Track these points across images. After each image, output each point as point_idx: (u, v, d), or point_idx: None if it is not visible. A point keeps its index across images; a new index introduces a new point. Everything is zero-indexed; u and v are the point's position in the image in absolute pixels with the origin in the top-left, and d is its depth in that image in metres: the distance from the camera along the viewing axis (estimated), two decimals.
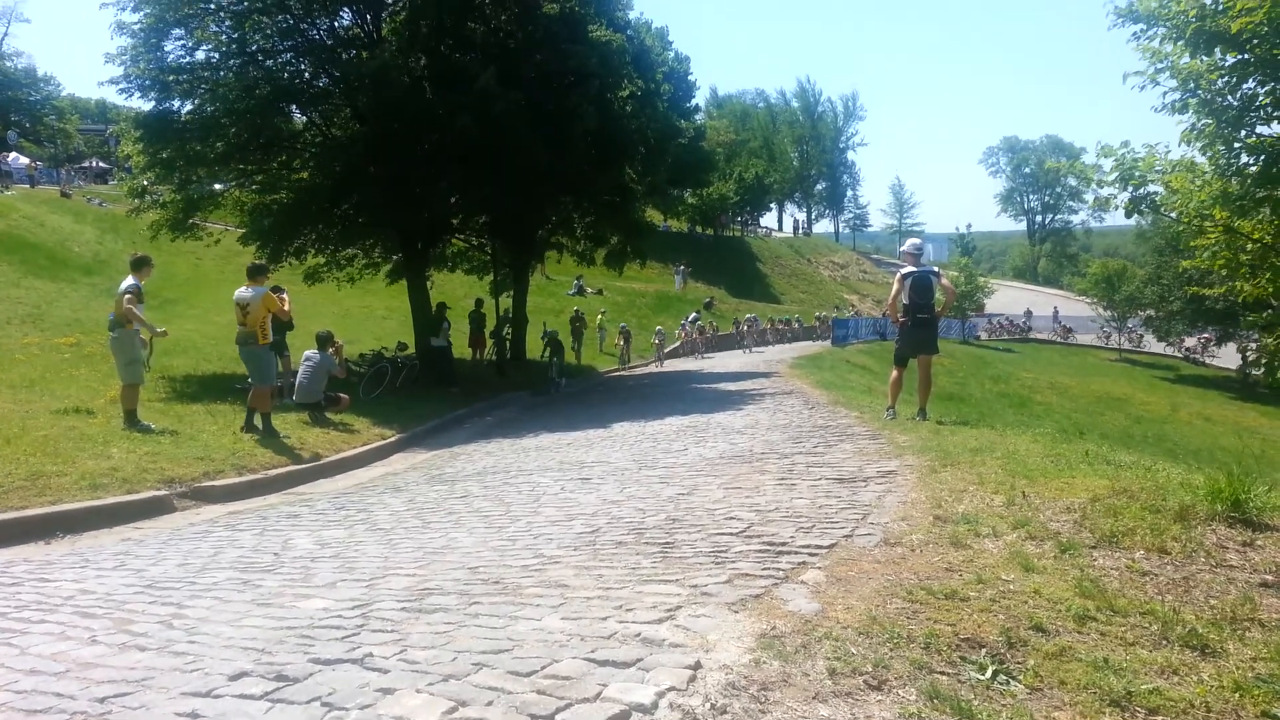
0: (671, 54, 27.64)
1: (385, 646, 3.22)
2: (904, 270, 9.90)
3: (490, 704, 2.59)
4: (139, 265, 10.25)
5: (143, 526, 7.01)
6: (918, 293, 9.85)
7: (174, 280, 26.68)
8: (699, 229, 67.57)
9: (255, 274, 10.84)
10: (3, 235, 27.96)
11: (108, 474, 7.79)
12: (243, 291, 10.70)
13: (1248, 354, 46.65)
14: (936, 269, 10.68)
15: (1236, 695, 2.71)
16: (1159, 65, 9.17)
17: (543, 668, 2.86)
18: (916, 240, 10.73)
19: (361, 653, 3.15)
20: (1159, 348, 51.88)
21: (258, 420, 10.60)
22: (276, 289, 14.84)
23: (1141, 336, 54.80)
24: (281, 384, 13.81)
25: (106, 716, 2.75)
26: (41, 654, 3.45)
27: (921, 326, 9.96)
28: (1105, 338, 56.04)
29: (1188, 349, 49.49)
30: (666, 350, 31.47)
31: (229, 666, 3.11)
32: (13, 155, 49.83)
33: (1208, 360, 48.78)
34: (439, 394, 16.86)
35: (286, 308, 11.14)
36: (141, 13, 15.62)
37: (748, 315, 40.43)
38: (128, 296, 9.91)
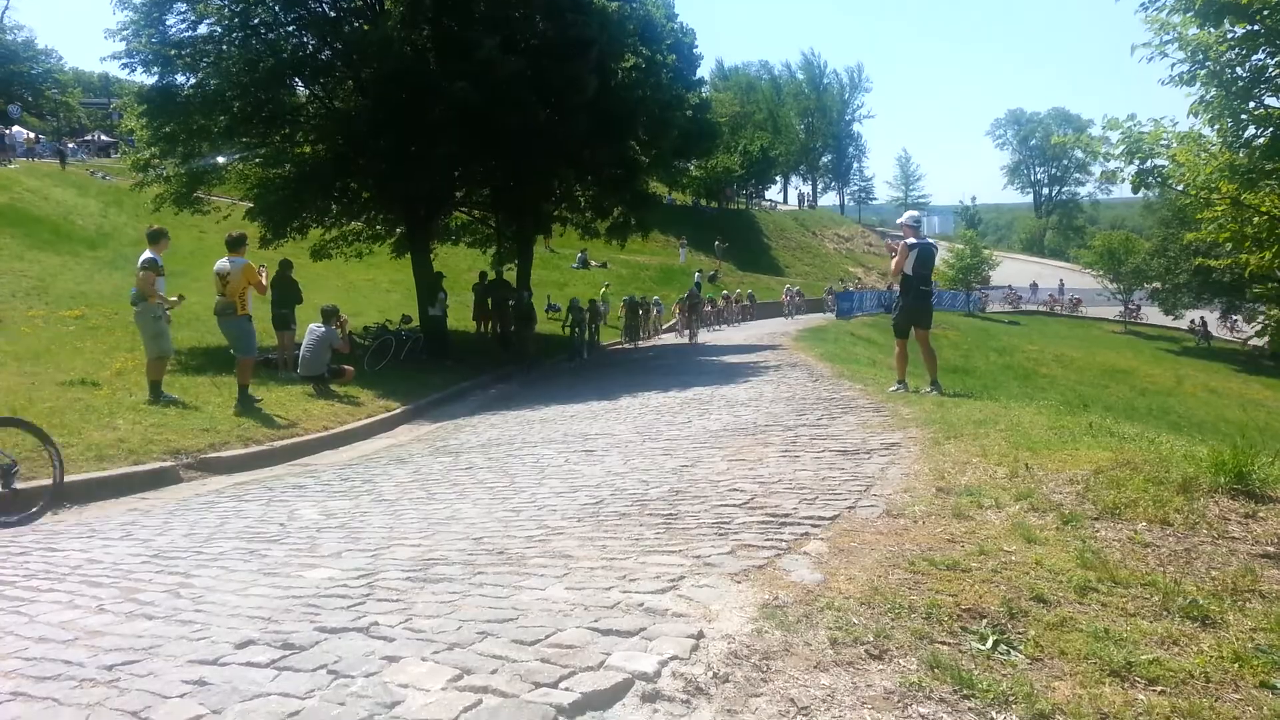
0: (676, 26, 27.25)
1: (391, 615, 3.24)
2: (909, 240, 9.81)
3: (495, 672, 2.61)
4: (155, 238, 10.29)
5: (149, 497, 7.07)
6: (922, 264, 9.79)
7: (178, 253, 26.46)
8: (703, 201, 67.22)
9: (235, 245, 10.83)
10: (6, 209, 27.87)
11: (114, 445, 7.84)
12: (222, 262, 10.72)
13: (1194, 323, 47.38)
14: (934, 242, 10.64)
15: (1236, 666, 2.72)
16: (1167, 37, 9.05)
17: (547, 637, 2.88)
18: (915, 212, 10.63)
19: (367, 621, 3.17)
20: (1161, 319, 51.76)
21: (252, 391, 10.67)
22: (285, 263, 14.87)
23: (1139, 308, 54.67)
24: (288, 356, 13.86)
25: (115, 684, 2.77)
26: (50, 622, 3.48)
27: (922, 299, 9.91)
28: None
29: (1193, 323, 49.30)
30: (664, 327, 31.22)
31: (235, 635, 3.14)
32: (15, 128, 49.64)
33: (1213, 333, 48.65)
34: (442, 366, 16.89)
35: (264, 281, 11.10)
36: None
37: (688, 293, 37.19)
38: (144, 273, 9.95)
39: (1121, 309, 55.54)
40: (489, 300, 22.67)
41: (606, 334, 27.92)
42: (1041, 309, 58.03)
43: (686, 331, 29.15)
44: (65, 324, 15.91)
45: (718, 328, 32.97)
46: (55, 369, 11.43)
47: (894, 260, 9.99)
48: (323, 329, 12.56)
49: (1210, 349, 46.08)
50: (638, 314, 27.31)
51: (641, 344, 27.31)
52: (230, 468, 8.28)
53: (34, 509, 6.29)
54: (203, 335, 16.56)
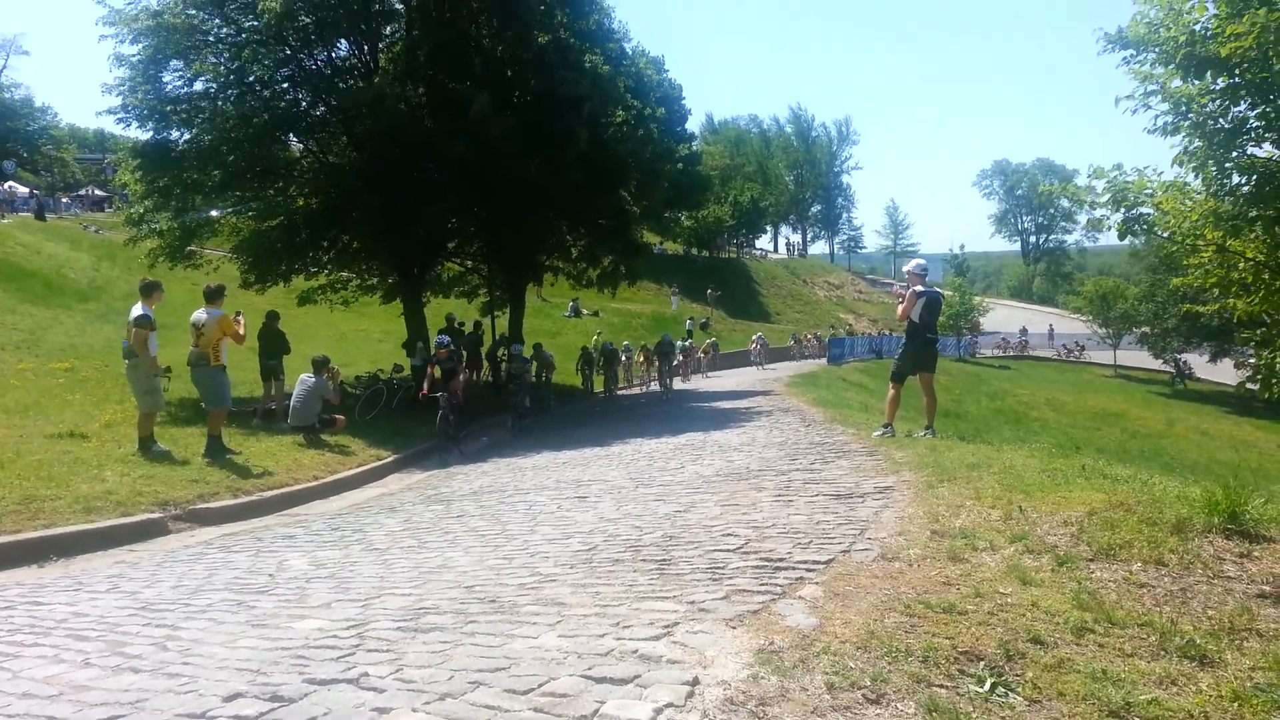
0: (666, 81, 27.84)
1: (381, 666, 3.20)
2: (917, 288, 9.87)
3: None
4: (149, 291, 10.12)
5: (137, 549, 6.97)
6: (929, 312, 9.87)
7: (169, 305, 26.45)
8: (695, 251, 67.84)
9: (213, 297, 10.66)
10: None
11: (102, 497, 7.76)
12: (199, 313, 10.56)
13: (1183, 364, 48.28)
14: (941, 291, 10.70)
15: (1235, 705, 2.70)
16: (1150, 89, 9.22)
17: (540, 686, 2.84)
18: (921, 261, 10.64)
19: (357, 672, 3.13)
20: (1147, 363, 52.51)
21: (227, 441, 10.52)
22: (272, 314, 14.86)
23: (1083, 348, 56.90)
24: (276, 407, 13.81)
25: None
26: (35, 677, 3.42)
27: (928, 345, 9.99)
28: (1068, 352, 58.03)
29: (1181, 365, 49.70)
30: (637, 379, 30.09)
31: (224, 688, 3.09)
32: (9, 184, 50.01)
33: (1189, 375, 49.29)
34: (433, 416, 16.82)
35: (241, 331, 10.84)
36: (140, 45, 15.78)
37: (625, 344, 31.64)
38: (136, 330, 9.85)
39: (1059, 349, 58.58)
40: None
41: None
42: (996, 351, 58.96)
43: (653, 382, 27.70)
44: (55, 376, 15.87)
45: (689, 379, 31.17)
46: (44, 421, 11.37)
47: (900, 306, 10.02)
48: (313, 379, 12.54)
49: (1188, 390, 46.58)
50: (615, 362, 25.99)
51: (617, 392, 25.91)
52: (219, 519, 8.19)
53: None
54: (191, 387, 16.52)
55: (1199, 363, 48.73)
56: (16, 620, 4.50)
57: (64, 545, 6.73)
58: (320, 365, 12.81)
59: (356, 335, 29.58)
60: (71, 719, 2.92)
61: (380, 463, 11.89)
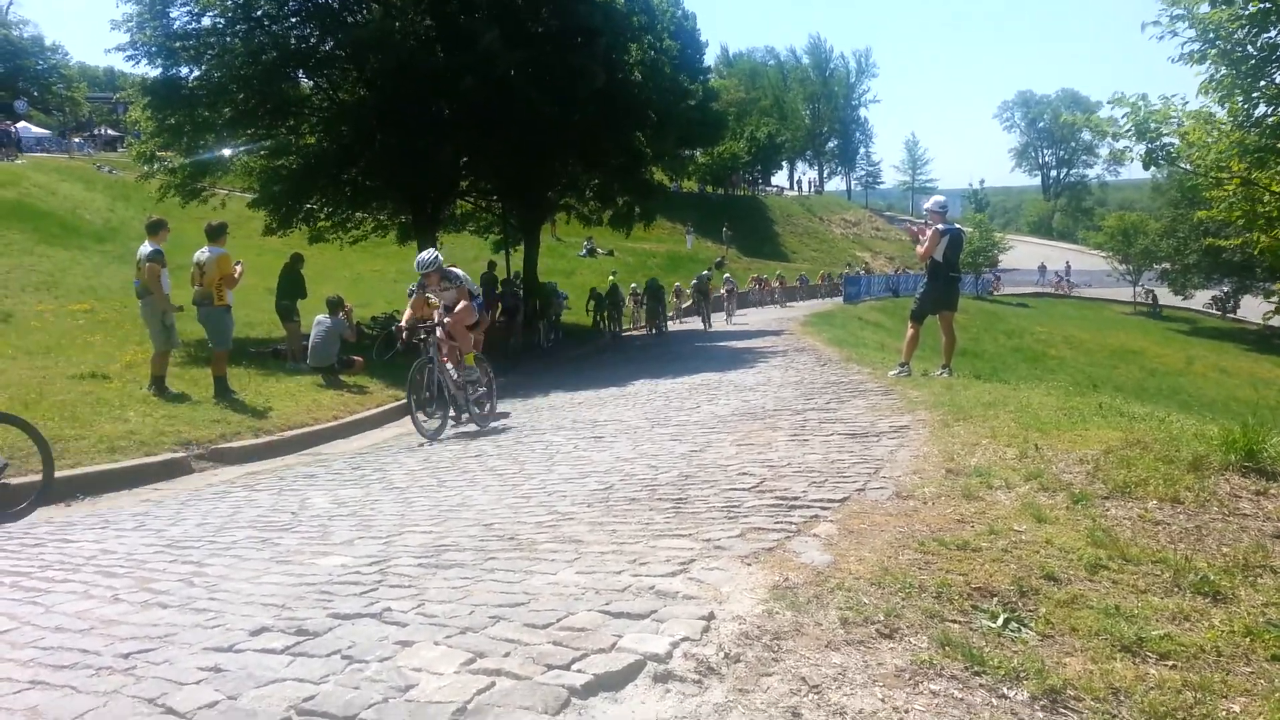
0: (680, 11, 27.13)
1: (403, 601, 3.25)
2: (939, 226, 9.71)
3: (507, 655, 2.62)
4: (155, 229, 10.13)
5: (161, 488, 7.11)
6: (953, 250, 9.72)
7: (182, 245, 26.56)
8: (710, 188, 67.01)
9: (215, 234, 10.56)
10: (15, 204, 27.96)
11: (125, 437, 7.88)
12: (201, 252, 10.50)
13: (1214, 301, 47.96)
14: (963, 228, 10.54)
15: (1247, 640, 2.72)
16: (1177, 14, 8.98)
17: (558, 620, 2.88)
18: (941, 198, 10.46)
19: (380, 607, 3.18)
20: (1168, 299, 51.99)
21: (233, 382, 10.52)
22: (296, 256, 14.82)
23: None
24: (294, 348, 13.89)
25: (131, 672, 2.79)
26: (66, 612, 3.50)
27: (951, 284, 9.85)
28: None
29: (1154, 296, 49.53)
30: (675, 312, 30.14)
31: (250, 622, 3.15)
32: (22, 124, 49.77)
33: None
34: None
35: (237, 275, 10.66)
36: None
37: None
38: (150, 265, 9.87)
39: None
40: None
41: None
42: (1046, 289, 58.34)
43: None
44: (75, 318, 15.99)
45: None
46: (66, 362, 11.49)
47: (922, 246, 9.82)
48: (330, 320, 12.58)
49: (1208, 327, 46.36)
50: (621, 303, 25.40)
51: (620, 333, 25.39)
52: (241, 458, 8.32)
53: (20, 506, 6.12)
54: (197, 327, 16.59)
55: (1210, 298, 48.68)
56: (47, 557, 4.61)
57: (90, 484, 6.88)
58: (335, 305, 12.85)
59: (372, 276, 29.54)
60: (103, 652, 2.99)
61: (398, 403, 11.94)
